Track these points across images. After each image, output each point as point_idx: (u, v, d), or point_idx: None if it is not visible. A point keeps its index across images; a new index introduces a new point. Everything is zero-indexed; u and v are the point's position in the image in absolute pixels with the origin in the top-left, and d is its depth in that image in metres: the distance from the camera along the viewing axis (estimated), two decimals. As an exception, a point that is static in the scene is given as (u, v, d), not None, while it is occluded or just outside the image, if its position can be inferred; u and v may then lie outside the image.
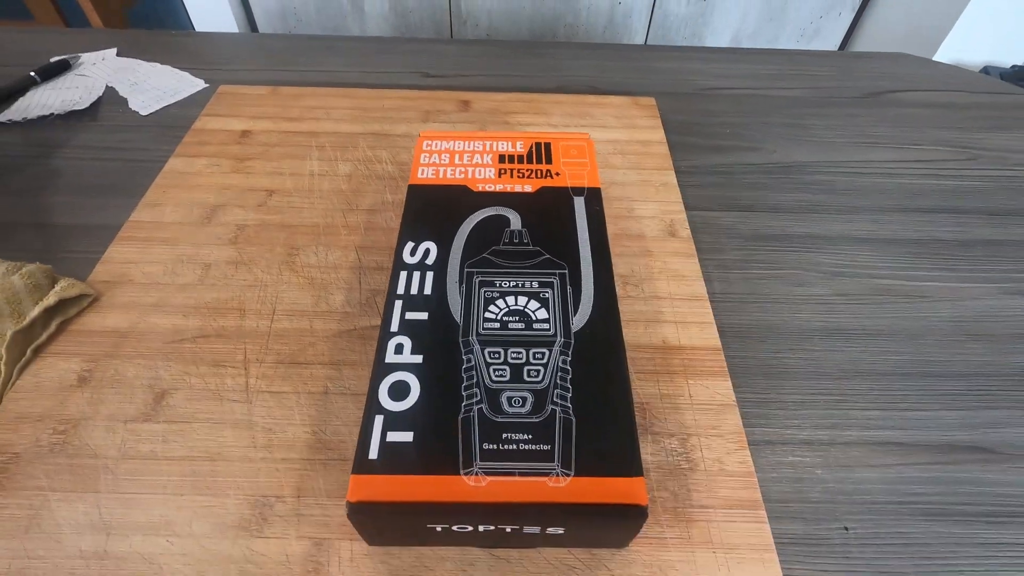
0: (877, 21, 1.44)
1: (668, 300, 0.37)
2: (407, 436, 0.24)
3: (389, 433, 0.25)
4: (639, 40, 1.52)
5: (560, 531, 0.24)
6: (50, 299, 0.34)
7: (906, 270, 0.42)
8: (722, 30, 1.51)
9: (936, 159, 0.51)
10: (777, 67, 0.62)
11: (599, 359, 0.27)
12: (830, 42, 1.52)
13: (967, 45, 1.24)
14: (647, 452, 0.30)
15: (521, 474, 0.23)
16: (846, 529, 0.29)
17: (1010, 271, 0.42)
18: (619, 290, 0.38)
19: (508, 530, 0.24)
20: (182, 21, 1.50)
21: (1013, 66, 1.22)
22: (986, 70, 1.20)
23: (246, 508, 0.28)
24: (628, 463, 0.24)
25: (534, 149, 0.38)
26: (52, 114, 0.51)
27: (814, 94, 0.59)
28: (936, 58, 1.27)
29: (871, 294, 0.40)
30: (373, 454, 0.24)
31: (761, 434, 0.33)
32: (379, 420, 0.25)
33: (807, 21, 1.48)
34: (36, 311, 0.33)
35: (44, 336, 0.34)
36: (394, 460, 0.24)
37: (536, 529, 0.24)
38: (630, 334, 0.36)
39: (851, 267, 0.42)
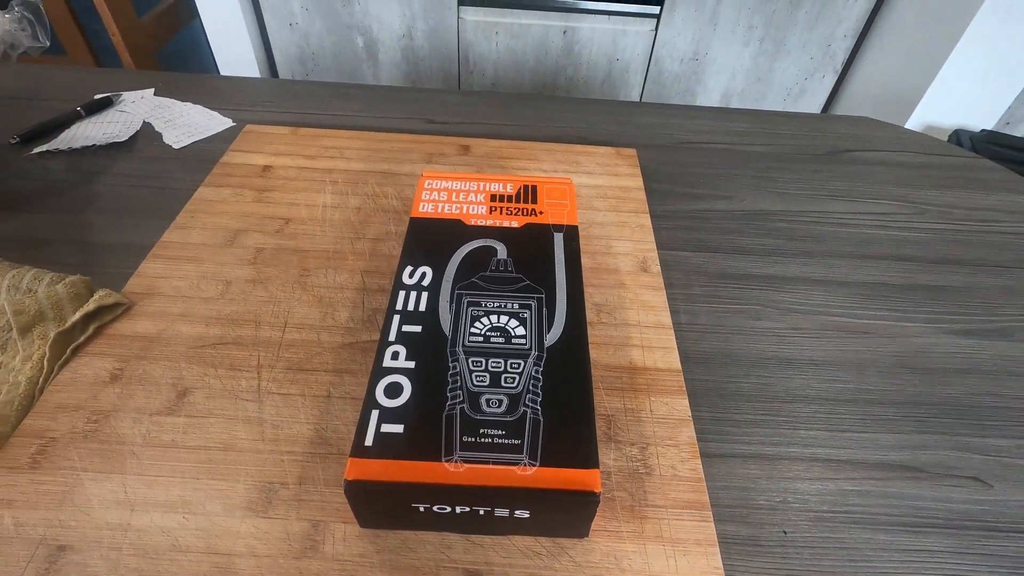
0: (858, 84, 1.54)
1: (637, 327, 0.42)
2: (398, 428, 0.29)
3: (383, 425, 0.29)
4: (635, 93, 1.62)
5: (526, 515, 0.28)
6: (89, 306, 0.39)
7: (854, 309, 0.47)
8: (713, 88, 1.60)
9: (887, 212, 0.57)
10: (749, 125, 0.69)
11: (567, 370, 0.32)
12: (814, 101, 1.62)
13: (940, 108, 1.33)
14: (610, 458, 0.34)
15: (494, 463, 0.28)
16: (784, 533, 0.33)
17: (948, 313, 0.47)
18: (593, 317, 0.42)
19: (481, 512, 0.28)
20: (207, 59, 1.60)
21: (983, 130, 1.30)
22: (957, 133, 1.28)
23: (254, 492, 0.31)
24: (585, 456, 0.28)
25: (522, 190, 0.43)
26: (94, 145, 0.57)
27: (781, 151, 0.65)
28: (911, 120, 1.36)
29: (821, 329, 0.45)
30: (369, 441, 0.28)
31: (715, 448, 0.37)
32: (375, 414, 0.29)
33: (793, 82, 1.58)
34: (76, 316, 0.38)
35: (82, 338, 0.38)
36: (386, 447, 0.28)
37: (506, 512, 0.28)
38: (601, 356, 0.40)
39: (805, 305, 0.47)
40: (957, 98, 1.31)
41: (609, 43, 1.52)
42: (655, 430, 0.36)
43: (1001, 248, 0.53)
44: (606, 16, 1.48)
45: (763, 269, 0.50)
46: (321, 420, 0.35)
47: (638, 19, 1.48)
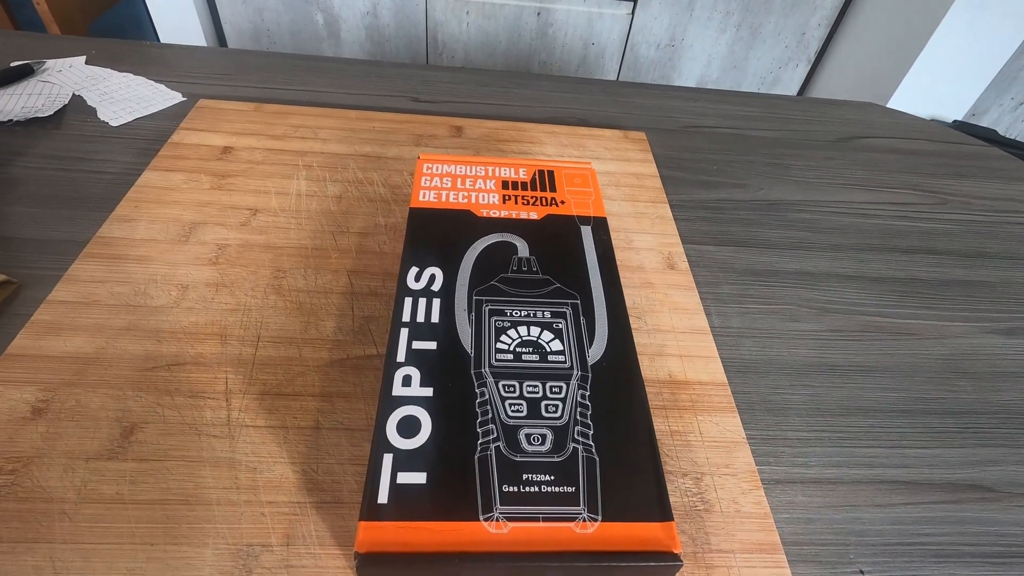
0: (830, 75, 1.54)
1: (672, 333, 0.37)
2: (419, 477, 0.22)
3: (400, 474, 0.22)
4: (611, 79, 1.57)
5: (585, 581, 0.22)
6: None
7: (893, 308, 0.43)
8: (688, 75, 1.58)
9: (908, 202, 0.54)
10: (753, 109, 0.65)
11: (618, 393, 0.26)
12: (788, 90, 1.61)
13: (913, 100, 1.34)
14: (660, 492, 0.29)
15: (545, 519, 0.22)
16: (862, 573, 0.29)
17: (986, 310, 0.43)
18: (622, 322, 0.37)
19: (529, 581, 0.22)
20: (148, 35, 1.45)
21: (955, 121, 1.32)
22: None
23: (227, 559, 0.25)
24: (658, 506, 0.22)
25: (537, 176, 0.37)
26: (11, 120, 0.47)
27: (790, 136, 0.61)
28: (885, 110, 1.36)
29: (862, 330, 0.41)
30: (383, 497, 0.22)
31: (770, 472, 0.32)
32: (388, 459, 0.23)
33: (767, 71, 1.56)
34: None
35: (-7, 361, 0.30)
36: (407, 504, 0.22)
37: (560, 579, 0.22)
38: (635, 367, 0.35)
39: (841, 303, 0.43)
40: (930, 89, 1.32)
41: (584, 26, 1.46)
42: (708, 456, 0.31)
43: (1027, 240, 0.51)
44: (582, -2, 1.42)
45: (791, 264, 0.45)
46: (309, 458, 0.28)
47: (614, 2, 1.43)
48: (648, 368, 0.35)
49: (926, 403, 0.37)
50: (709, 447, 0.31)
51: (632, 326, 0.37)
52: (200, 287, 0.35)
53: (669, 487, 0.29)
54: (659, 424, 0.32)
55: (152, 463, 0.27)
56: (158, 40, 1.42)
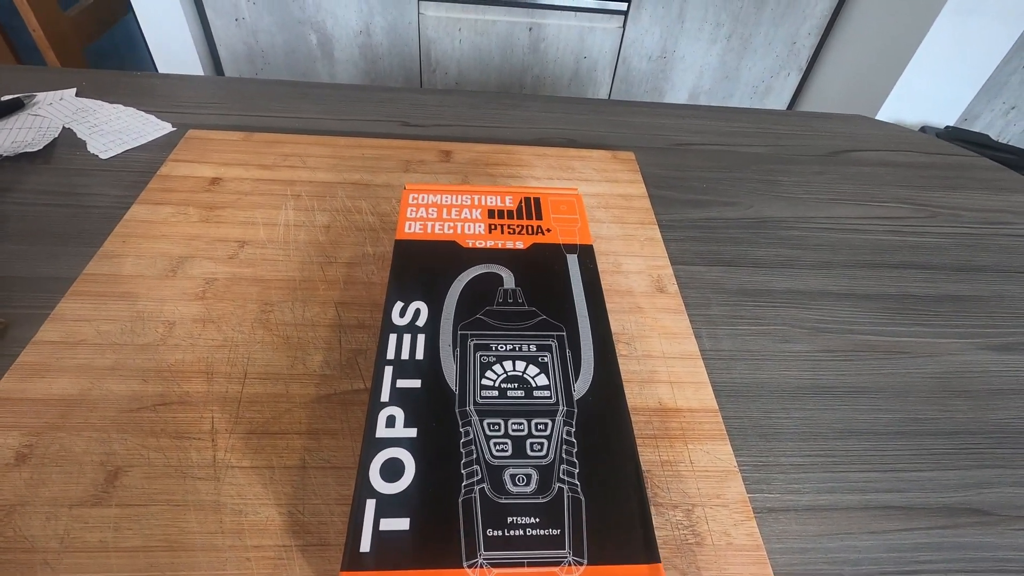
0: (822, 82, 1.55)
1: (661, 359, 0.37)
2: (403, 523, 0.22)
3: (383, 520, 0.22)
4: (603, 92, 1.58)
5: (572, 627, 0.22)
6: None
7: (885, 326, 0.43)
8: (680, 86, 1.58)
9: (899, 216, 0.54)
10: (742, 125, 0.65)
11: (604, 430, 0.26)
12: (780, 99, 1.62)
13: (905, 105, 1.34)
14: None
15: (531, 564, 0.21)
16: (857, 603, 0.28)
17: (980, 326, 0.43)
18: (611, 348, 0.37)
19: (515, 628, 0.22)
20: (144, 59, 1.47)
21: (947, 127, 1.32)
22: (923, 130, 1.30)
23: (211, 607, 0.24)
24: (645, 548, 0.22)
25: (523, 204, 0.37)
26: (1, 156, 0.48)
27: (780, 151, 0.61)
28: (878, 117, 1.37)
29: (854, 350, 0.41)
30: (365, 546, 0.21)
31: (762, 500, 0.32)
32: (371, 505, 0.23)
33: (759, 80, 1.57)
34: (-30, 378, 0.30)
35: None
36: (389, 553, 0.21)
37: (546, 626, 0.22)
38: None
39: (833, 323, 0.42)
40: (922, 95, 1.32)
41: (576, 41, 1.47)
42: (699, 486, 0.30)
43: (1019, 253, 0.50)
44: (573, 12, 1.44)
45: (783, 283, 0.45)
46: (296, 499, 0.28)
47: (605, 16, 1.44)
48: (637, 396, 0.34)
49: (920, 424, 0.36)
50: (700, 477, 0.31)
51: (621, 353, 0.37)
52: (187, 323, 0.35)
53: (659, 520, 0.29)
54: (649, 454, 0.32)
55: (136, 508, 0.27)
56: (153, 63, 1.43)
